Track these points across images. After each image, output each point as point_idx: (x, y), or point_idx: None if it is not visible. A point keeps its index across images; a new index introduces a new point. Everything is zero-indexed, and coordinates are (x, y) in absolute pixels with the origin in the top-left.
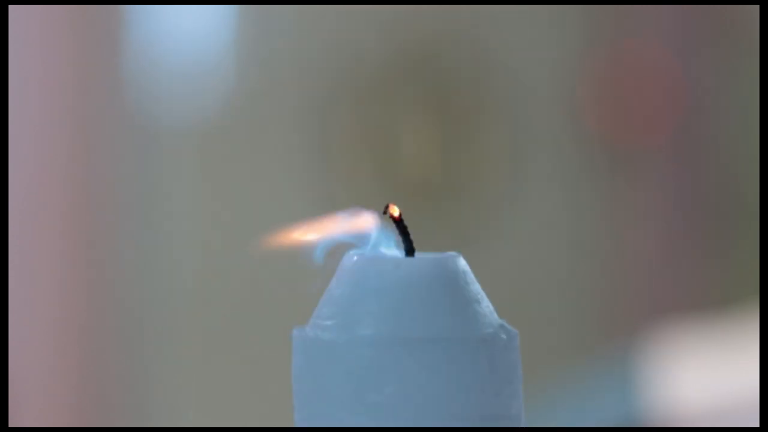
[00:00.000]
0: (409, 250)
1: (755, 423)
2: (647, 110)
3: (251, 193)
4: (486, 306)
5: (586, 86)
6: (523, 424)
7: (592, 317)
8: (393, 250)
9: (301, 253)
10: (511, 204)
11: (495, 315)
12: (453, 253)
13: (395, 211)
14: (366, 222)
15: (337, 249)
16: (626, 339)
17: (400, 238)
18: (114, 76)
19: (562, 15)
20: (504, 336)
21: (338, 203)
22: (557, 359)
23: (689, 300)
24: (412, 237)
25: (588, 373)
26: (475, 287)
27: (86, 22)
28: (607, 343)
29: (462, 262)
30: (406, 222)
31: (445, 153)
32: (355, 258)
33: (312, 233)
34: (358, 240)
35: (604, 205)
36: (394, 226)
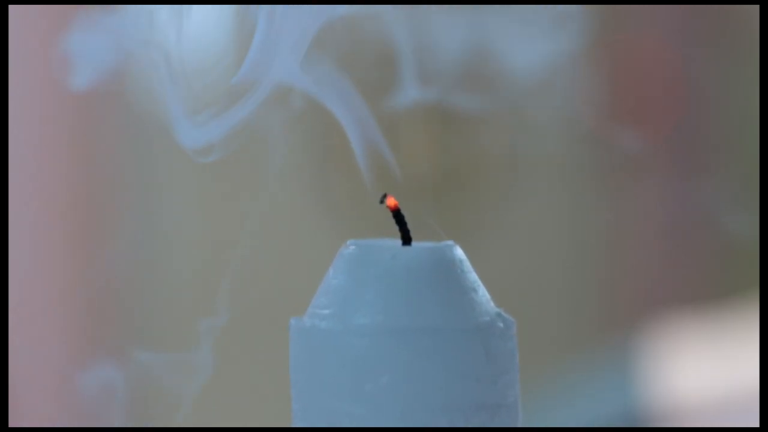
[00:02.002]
0: (406, 240)
1: (753, 416)
2: (647, 108)
3: (250, 191)
4: (482, 295)
5: (587, 84)
6: (519, 414)
7: (590, 310)
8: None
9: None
10: (511, 200)
11: (492, 304)
12: (449, 242)
13: (392, 201)
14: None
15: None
16: (625, 332)
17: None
18: (113, 77)
19: (563, 13)
20: (501, 324)
21: (338, 199)
22: (556, 352)
23: (687, 294)
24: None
25: (586, 365)
26: (472, 276)
27: (85, 21)
28: (605, 336)
29: (458, 251)
30: (402, 216)
31: (445, 150)
32: (352, 247)
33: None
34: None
35: (603, 200)
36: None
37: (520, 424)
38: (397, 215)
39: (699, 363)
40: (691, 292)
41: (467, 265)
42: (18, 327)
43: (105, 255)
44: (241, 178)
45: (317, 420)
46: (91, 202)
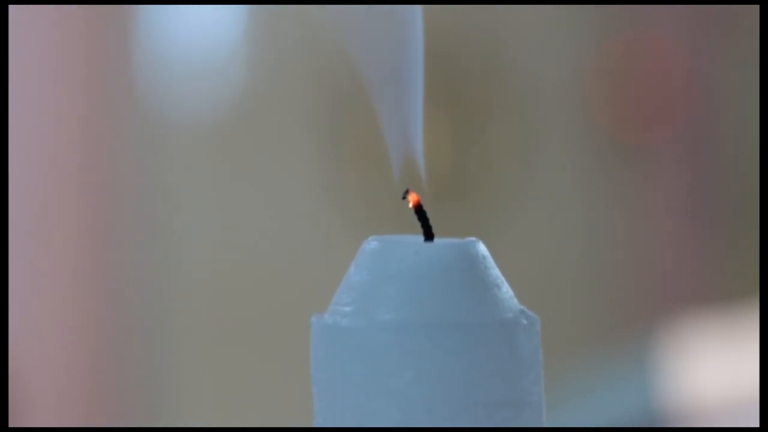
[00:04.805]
0: (428, 236)
1: None
2: (658, 104)
3: (263, 190)
4: (506, 291)
5: (597, 80)
6: (543, 411)
7: (608, 309)
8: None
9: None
10: (524, 198)
11: (515, 300)
12: (472, 238)
13: (414, 196)
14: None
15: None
16: (643, 330)
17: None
18: (125, 75)
19: (574, 10)
20: (524, 321)
21: (350, 199)
22: (574, 352)
23: (706, 291)
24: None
25: (604, 363)
26: (495, 272)
27: (98, 21)
28: (623, 335)
29: (481, 247)
30: (424, 212)
31: (457, 148)
32: (374, 243)
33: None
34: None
35: (617, 197)
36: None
37: (544, 422)
38: (419, 211)
39: (717, 360)
40: (709, 289)
41: (490, 261)
42: (24, 327)
43: (117, 253)
44: (254, 175)
45: (340, 417)
46: (103, 202)
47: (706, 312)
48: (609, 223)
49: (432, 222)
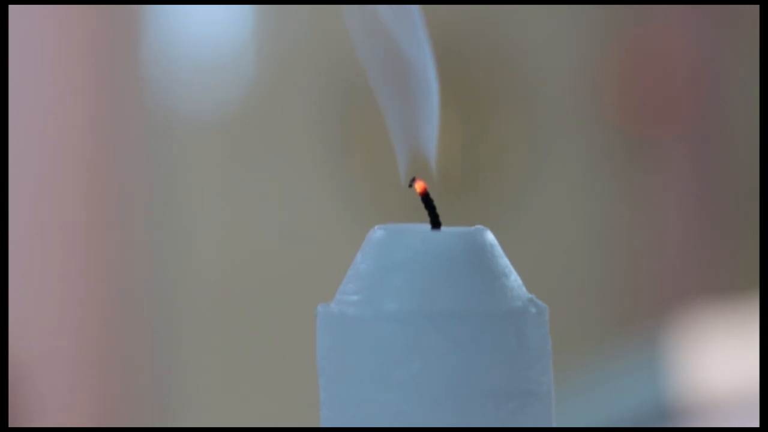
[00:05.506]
0: (435, 224)
1: None
2: (667, 98)
3: (271, 185)
4: (514, 279)
5: (606, 75)
6: (553, 402)
7: (616, 301)
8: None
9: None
10: (533, 192)
11: (524, 289)
12: (480, 226)
13: (421, 184)
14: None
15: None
16: (651, 321)
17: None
18: (134, 74)
19: (581, 6)
20: (533, 310)
21: (358, 194)
22: (582, 343)
23: (714, 282)
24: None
25: (613, 355)
26: (503, 261)
27: (107, 20)
28: (632, 326)
29: (489, 236)
30: (431, 200)
31: (466, 144)
32: (380, 232)
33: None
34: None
35: (626, 191)
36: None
37: (553, 414)
38: (426, 199)
39: (726, 352)
40: (718, 280)
41: (498, 249)
42: (31, 326)
43: (126, 251)
44: (262, 171)
45: (346, 408)
46: (111, 199)
47: (714, 303)
48: (617, 215)
49: (440, 214)
